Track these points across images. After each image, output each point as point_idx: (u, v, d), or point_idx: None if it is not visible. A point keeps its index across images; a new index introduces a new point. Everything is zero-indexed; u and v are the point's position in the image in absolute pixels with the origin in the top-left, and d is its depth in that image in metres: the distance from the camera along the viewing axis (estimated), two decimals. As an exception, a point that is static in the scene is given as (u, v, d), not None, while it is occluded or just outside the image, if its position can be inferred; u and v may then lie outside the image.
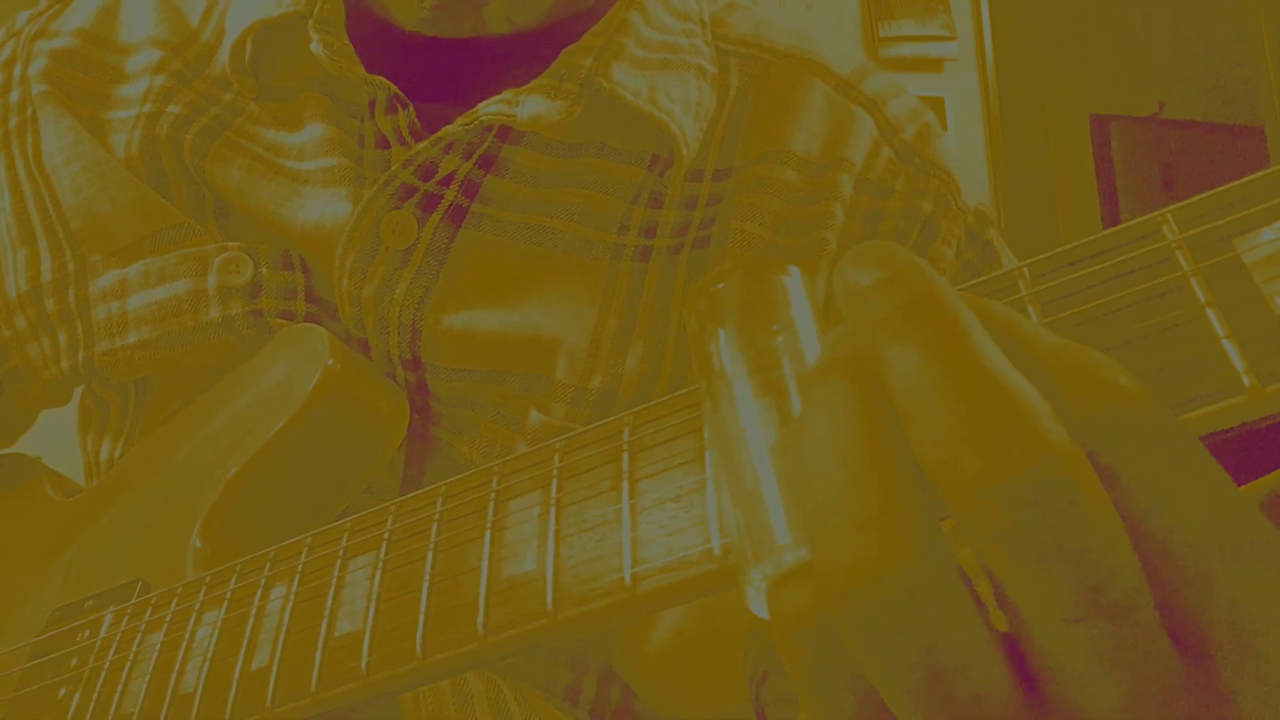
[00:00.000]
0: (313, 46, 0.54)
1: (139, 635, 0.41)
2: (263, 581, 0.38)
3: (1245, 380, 0.24)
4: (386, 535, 0.36)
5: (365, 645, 0.33)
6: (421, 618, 0.32)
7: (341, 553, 0.37)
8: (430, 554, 0.34)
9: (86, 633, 0.45)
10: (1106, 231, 0.27)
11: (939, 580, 0.21)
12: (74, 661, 0.44)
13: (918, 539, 0.21)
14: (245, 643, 0.37)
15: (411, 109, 0.53)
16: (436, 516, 0.35)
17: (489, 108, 0.52)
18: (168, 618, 0.41)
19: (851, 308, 0.23)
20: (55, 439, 0.77)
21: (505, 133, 0.54)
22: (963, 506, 0.21)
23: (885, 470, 0.21)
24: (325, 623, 0.35)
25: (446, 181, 0.53)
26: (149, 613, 0.42)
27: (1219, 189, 0.26)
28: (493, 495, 0.34)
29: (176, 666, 0.38)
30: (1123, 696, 0.21)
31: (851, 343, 0.23)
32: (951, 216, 0.56)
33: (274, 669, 0.35)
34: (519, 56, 0.55)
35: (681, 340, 0.52)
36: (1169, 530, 0.21)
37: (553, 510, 0.32)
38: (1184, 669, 0.21)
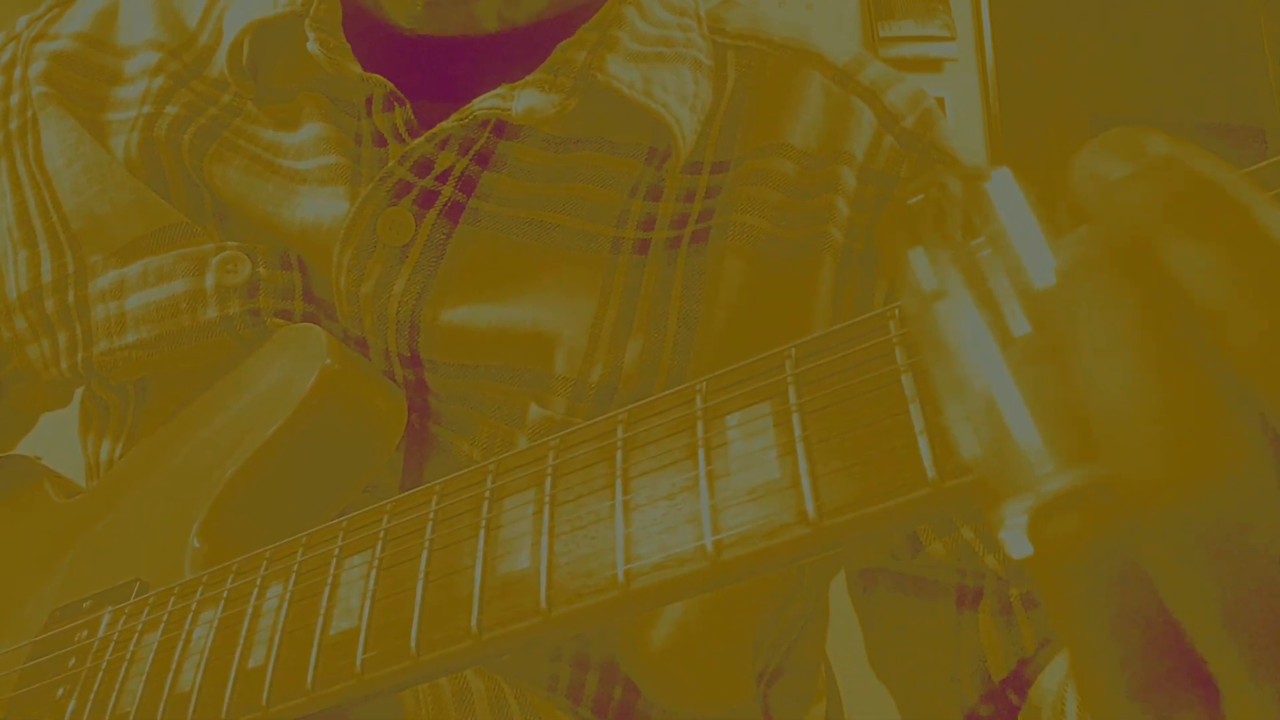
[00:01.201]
0: (309, 45, 0.54)
1: (136, 635, 0.41)
2: (259, 580, 0.38)
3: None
4: (382, 533, 0.36)
5: (360, 643, 0.33)
6: (416, 615, 0.32)
7: (337, 551, 0.37)
8: (425, 552, 0.34)
9: (84, 633, 0.45)
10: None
11: (1273, 487, 0.19)
12: (72, 661, 0.44)
13: (1247, 441, 0.19)
14: (241, 641, 0.37)
15: (408, 106, 0.53)
16: (431, 514, 0.35)
17: (484, 103, 0.52)
18: (164, 617, 0.41)
19: (1104, 202, 0.21)
20: (56, 440, 0.77)
21: (501, 128, 0.54)
22: None
23: (1192, 368, 0.19)
24: (321, 621, 0.35)
25: (443, 178, 0.53)
26: (146, 612, 0.42)
27: None
28: (487, 493, 0.34)
29: (173, 665, 0.38)
30: None
31: (1110, 240, 0.21)
32: None
33: (270, 667, 0.35)
34: (514, 53, 0.55)
35: (680, 333, 0.52)
36: None
37: (546, 508, 0.32)
38: None
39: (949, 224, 0.23)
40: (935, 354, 0.23)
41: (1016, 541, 0.21)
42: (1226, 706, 0.20)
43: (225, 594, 0.39)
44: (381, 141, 0.55)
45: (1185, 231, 0.20)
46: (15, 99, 0.61)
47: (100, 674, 0.41)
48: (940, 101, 2.37)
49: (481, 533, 0.33)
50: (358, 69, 0.53)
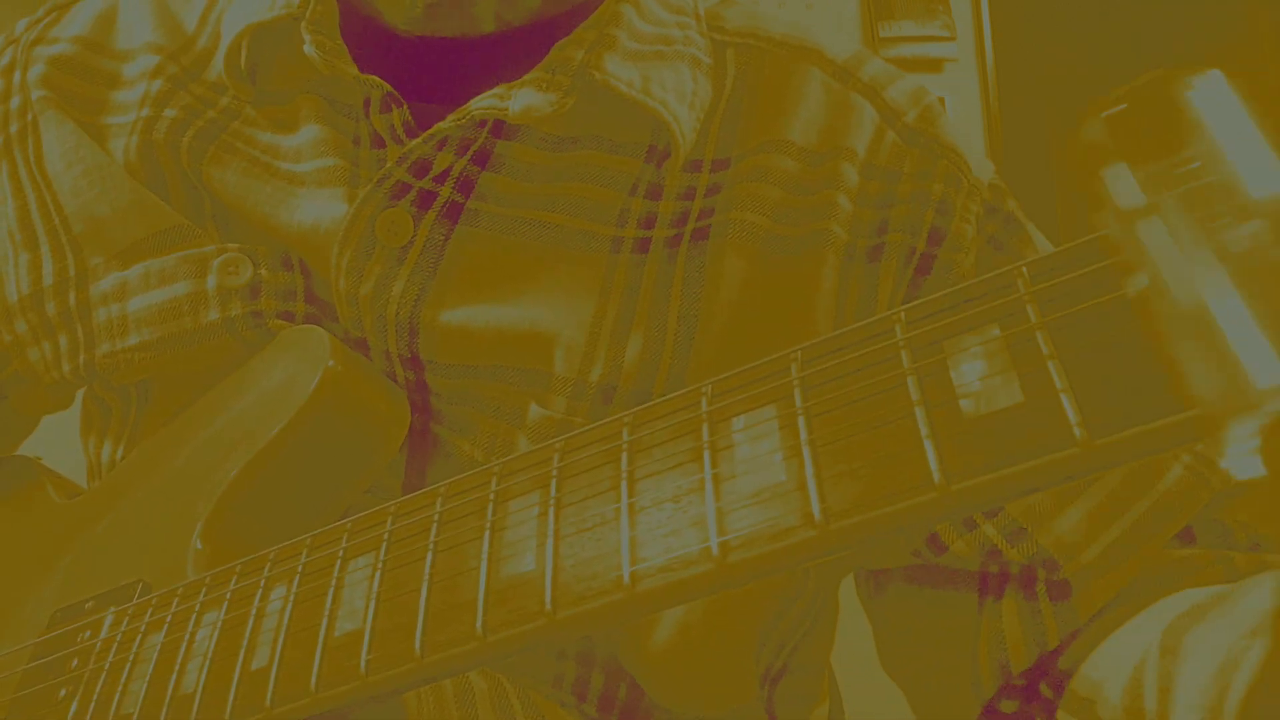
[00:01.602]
0: (305, 48, 0.54)
1: (139, 636, 0.41)
2: (263, 582, 0.38)
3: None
4: (386, 535, 0.36)
5: (364, 645, 0.33)
6: (420, 618, 0.32)
7: (341, 553, 0.37)
8: (429, 554, 0.34)
9: (87, 634, 0.45)
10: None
11: None
12: (74, 662, 0.44)
13: None
14: (245, 643, 0.37)
15: (405, 107, 0.53)
16: (436, 517, 0.35)
17: (481, 103, 0.52)
18: (168, 618, 0.41)
19: None
20: (57, 441, 0.77)
21: (499, 128, 0.54)
22: None
23: None
24: (325, 623, 0.35)
25: (441, 178, 0.53)
26: (149, 614, 0.42)
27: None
28: (492, 495, 0.34)
29: (176, 667, 0.38)
30: None
31: None
32: (965, 193, 0.55)
33: (273, 669, 0.35)
34: (512, 53, 0.55)
35: (681, 331, 0.52)
36: None
37: (552, 510, 0.32)
38: None
39: (1152, 135, 0.22)
40: (1149, 274, 0.22)
41: (1244, 463, 0.20)
42: None
43: (229, 595, 0.39)
44: (380, 143, 0.55)
45: None
46: (15, 103, 0.61)
47: (103, 675, 0.41)
48: (940, 101, 2.37)
49: (486, 535, 0.33)
50: (354, 70, 0.53)
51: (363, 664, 0.33)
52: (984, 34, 2.50)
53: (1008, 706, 0.55)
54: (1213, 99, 0.22)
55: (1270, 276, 0.20)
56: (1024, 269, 0.27)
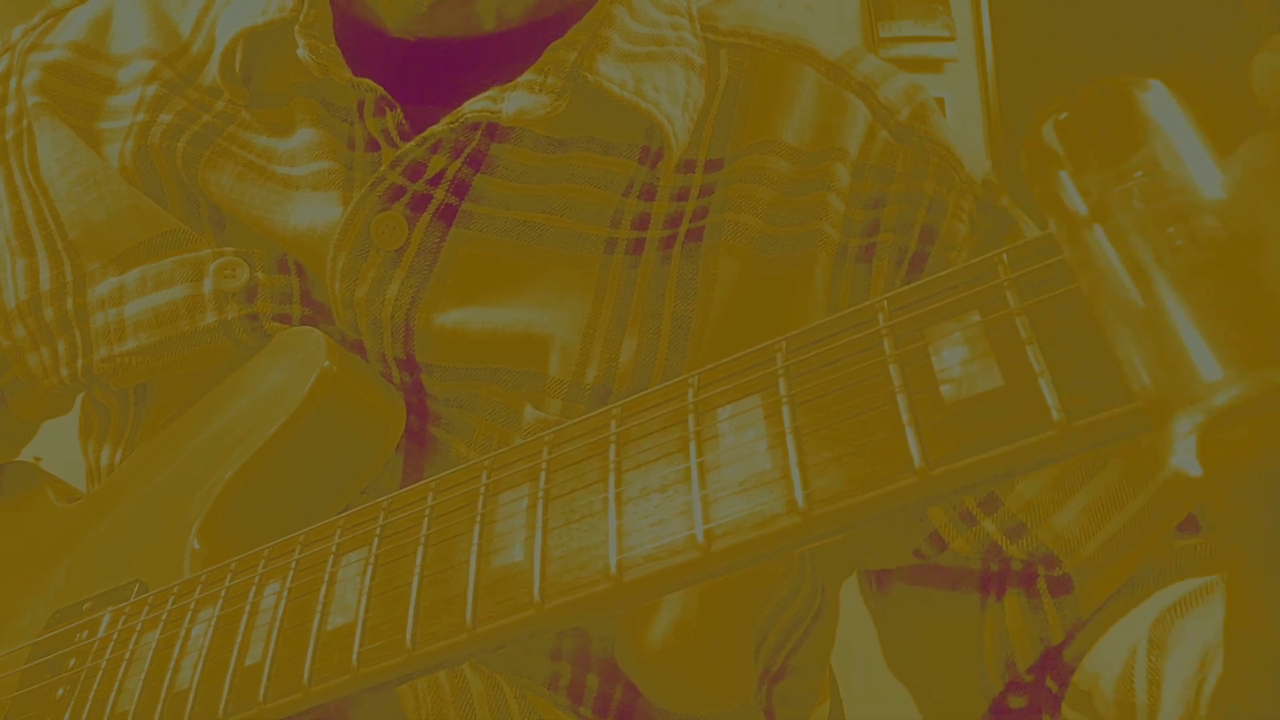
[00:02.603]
0: (299, 51, 0.54)
1: (135, 634, 0.42)
2: (257, 578, 0.38)
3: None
4: (378, 529, 0.36)
5: (356, 639, 0.33)
6: (411, 611, 0.33)
7: (334, 549, 0.37)
8: (421, 548, 0.34)
9: (85, 633, 0.45)
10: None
11: None
12: (72, 662, 0.44)
13: None
14: (239, 639, 0.37)
15: (399, 110, 0.54)
16: (427, 511, 0.35)
17: (474, 105, 0.52)
18: (164, 616, 0.41)
19: None
20: (57, 445, 0.77)
21: (493, 130, 0.54)
22: None
23: None
24: (317, 618, 0.35)
25: (435, 181, 0.53)
26: (145, 612, 0.42)
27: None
28: (482, 489, 0.34)
29: (172, 664, 0.39)
30: None
31: None
32: (958, 191, 0.55)
33: (267, 664, 0.35)
34: (505, 55, 0.55)
35: (675, 333, 0.52)
36: None
37: (540, 502, 0.32)
38: None
39: (1096, 143, 0.23)
40: (1093, 279, 0.23)
41: (1185, 461, 0.21)
42: None
43: (224, 592, 0.39)
44: (374, 146, 0.55)
45: None
46: (11, 109, 0.61)
47: (100, 674, 0.42)
48: (940, 101, 2.37)
49: (476, 527, 0.33)
50: (347, 74, 0.53)
51: (354, 657, 0.33)
52: (984, 34, 2.50)
53: (1016, 702, 0.55)
54: (1155, 107, 0.23)
55: (1210, 279, 0.21)
56: (1004, 255, 0.27)
